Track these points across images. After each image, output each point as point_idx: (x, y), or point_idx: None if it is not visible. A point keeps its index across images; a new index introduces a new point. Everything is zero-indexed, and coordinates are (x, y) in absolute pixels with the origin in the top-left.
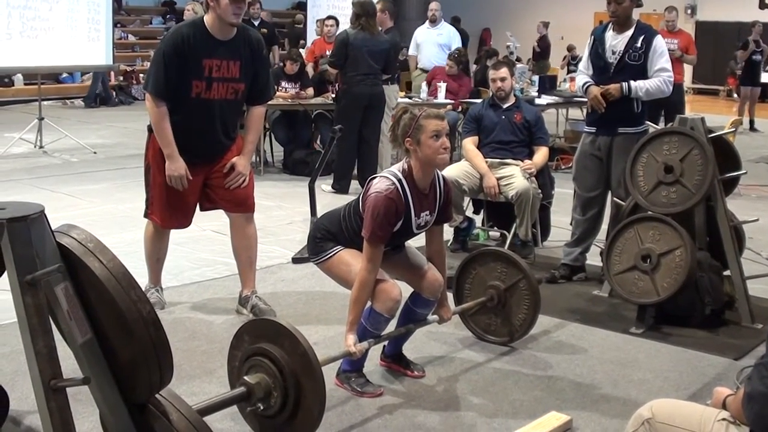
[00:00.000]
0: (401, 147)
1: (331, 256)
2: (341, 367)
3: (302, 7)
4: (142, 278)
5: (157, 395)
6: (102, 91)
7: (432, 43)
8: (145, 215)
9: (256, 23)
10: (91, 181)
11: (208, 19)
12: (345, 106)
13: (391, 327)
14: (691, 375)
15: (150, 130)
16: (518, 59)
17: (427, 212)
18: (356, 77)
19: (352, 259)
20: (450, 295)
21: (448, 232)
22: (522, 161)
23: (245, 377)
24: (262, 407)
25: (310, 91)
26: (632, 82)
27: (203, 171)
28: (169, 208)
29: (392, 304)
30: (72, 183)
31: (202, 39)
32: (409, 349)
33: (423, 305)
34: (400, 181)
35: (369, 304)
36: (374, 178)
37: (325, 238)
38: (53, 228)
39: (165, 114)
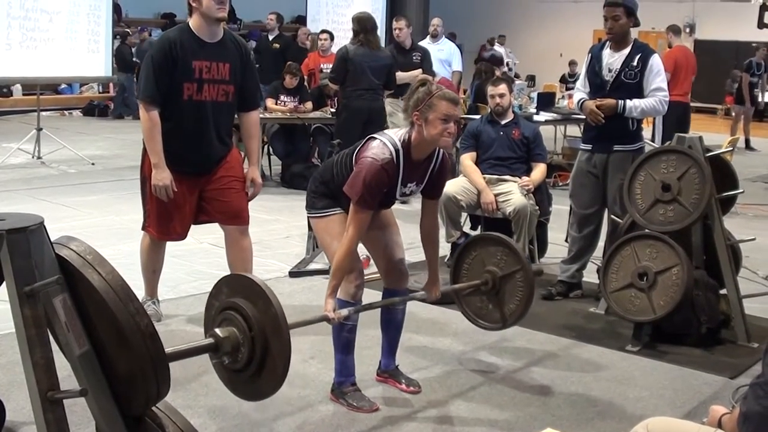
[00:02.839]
0: (408, 118)
1: (320, 216)
2: (334, 381)
3: (302, 21)
4: (140, 290)
5: (153, 408)
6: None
7: (433, 59)
8: (143, 227)
9: (271, 37)
10: (89, 192)
11: (193, 22)
12: (345, 121)
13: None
14: (687, 393)
15: None
16: (517, 75)
17: (414, 183)
18: (356, 92)
19: (336, 234)
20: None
21: (445, 248)
22: (520, 178)
23: (215, 329)
24: (228, 361)
25: (309, 105)
26: (627, 102)
27: (199, 184)
28: (165, 221)
29: (354, 290)
30: (70, 194)
31: (189, 42)
32: (405, 365)
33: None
34: (398, 151)
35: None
36: (374, 138)
37: (318, 191)
38: (52, 239)
39: (157, 122)
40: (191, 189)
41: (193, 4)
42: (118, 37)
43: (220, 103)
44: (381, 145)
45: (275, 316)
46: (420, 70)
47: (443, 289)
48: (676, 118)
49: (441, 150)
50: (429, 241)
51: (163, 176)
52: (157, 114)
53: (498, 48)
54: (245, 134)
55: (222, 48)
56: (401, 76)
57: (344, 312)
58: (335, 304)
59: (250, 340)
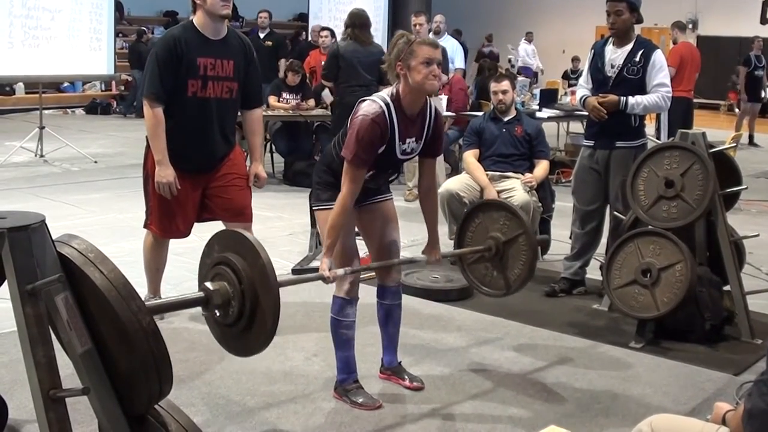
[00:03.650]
0: (393, 72)
1: (325, 209)
2: (337, 379)
3: (304, 18)
4: (142, 288)
5: (156, 406)
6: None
7: None
8: (145, 225)
9: (262, 35)
10: (92, 190)
11: (197, 19)
12: (338, 117)
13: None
14: (691, 390)
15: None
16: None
17: (413, 139)
18: (349, 88)
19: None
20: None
21: (448, 245)
22: (522, 174)
23: (206, 283)
24: (219, 315)
25: (311, 102)
26: (630, 98)
27: (202, 181)
28: (168, 219)
29: (349, 287)
30: (72, 192)
31: (194, 39)
32: (408, 361)
33: (380, 295)
34: (387, 105)
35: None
36: (364, 100)
37: (322, 181)
38: (54, 238)
39: (161, 120)
40: (194, 186)
41: (198, 2)
42: (120, 35)
43: (224, 100)
44: (370, 103)
45: (263, 267)
46: None
47: (445, 252)
48: (680, 113)
49: (434, 107)
50: (428, 199)
51: (166, 173)
52: (161, 111)
53: (524, 44)
54: (248, 131)
55: (226, 45)
56: None
57: (340, 271)
58: (330, 263)
59: (240, 294)
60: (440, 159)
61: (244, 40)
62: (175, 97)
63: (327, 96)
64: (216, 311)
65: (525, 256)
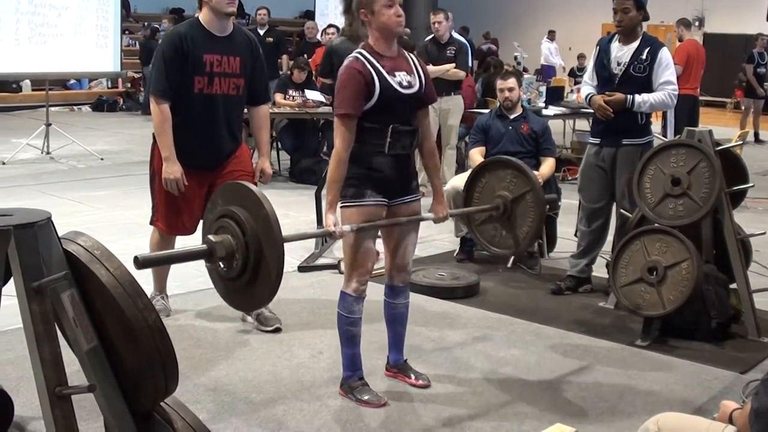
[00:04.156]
0: (357, 20)
1: (346, 206)
2: (342, 376)
3: (310, 15)
4: (148, 285)
5: (161, 403)
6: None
7: None
8: (151, 222)
9: (262, 32)
10: (98, 187)
11: (203, 16)
12: None
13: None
14: (697, 388)
15: (155, 137)
16: (525, 69)
17: (404, 72)
18: None
19: (354, 242)
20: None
21: (454, 243)
22: None
23: (209, 236)
24: (223, 267)
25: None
26: (636, 96)
27: (209, 178)
28: (174, 215)
29: (356, 285)
30: (79, 189)
31: (200, 36)
32: (414, 359)
33: (389, 294)
34: (361, 53)
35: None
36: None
37: (349, 178)
38: (60, 235)
39: (168, 116)
40: (201, 183)
41: None
42: (127, 32)
43: (230, 97)
44: (347, 59)
45: (266, 217)
46: (452, 65)
47: (452, 211)
48: (686, 111)
49: (416, 56)
50: (430, 159)
51: (173, 169)
52: (168, 108)
53: (546, 42)
54: (255, 126)
55: (232, 42)
56: (431, 69)
57: (346, 228)
58: (335, 219)
59: (243, 245)
60: (453, 153)
61: (249, 37)
62: (181, 94)
63: (312, 94)
64: (220, 263)
65: (533, 212)
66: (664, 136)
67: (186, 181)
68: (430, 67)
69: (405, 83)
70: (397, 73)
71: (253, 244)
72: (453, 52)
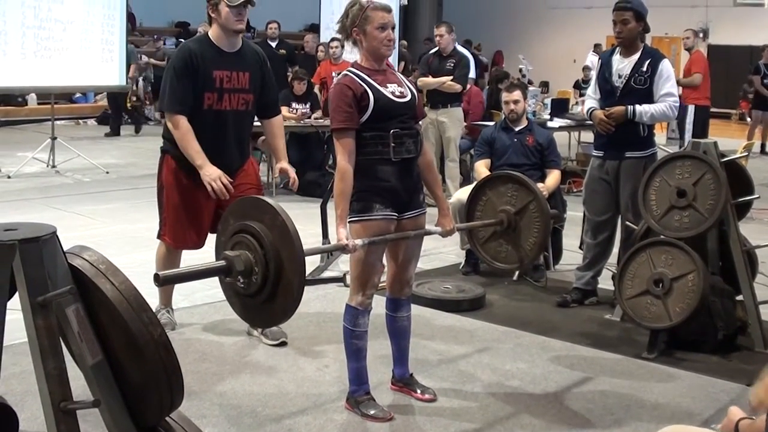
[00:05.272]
0: (350, 38)
1: (354, 220)
2: (348, 390)
3: (315, 29)
4: (154, 299)
5: (167, 418)
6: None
7: None
8: (158, 236)
9: (274, 44)
10: (104, 201)
11: (212, 32)
12: None
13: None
14: (704, 401)
15: (163, 151)
16: (530, 82)
17: (396, 84)
18: None
19: (362, 257)
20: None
21: (459, 255)
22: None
23: (226, 252)
24: (242, 281)
25: (319, 112)
26: (637, 107)
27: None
28: (181, 229)
29: (362, 299)
30: (84, 203)
31: (209, 52)
32: (420, 373)
33: (391, 308)
34: (351, 70)
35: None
36: None
37: (356, 192)
38: (65, 249)
39: (188, 127)
40: (209, 197)
41: (213, 15)
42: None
43: (240, 112)
44: (337, 77)
45: (283, 225)
46: (449, 77)
47: (459, 226)
48: (701, 121)
49: (404, 77)
50: (429, 173)
51: (210, 172)
52: (186, 120)
53: (592, 56)
54: (270, 135)
55: (241, 58)
56: (427, 81)
57: (359, 242)
58: (346, 233)
59: (263, 258)
60: (454, 166)
61: (258, 52)
62: (191, 110)
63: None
64: (239, 278)
65: (538, 223)
66: (681, 148)
67: (193, 196)
68: (427, 80)
69: (398, 93)
70: (389, 85)
71: (272, 254)
72: (452, 64)
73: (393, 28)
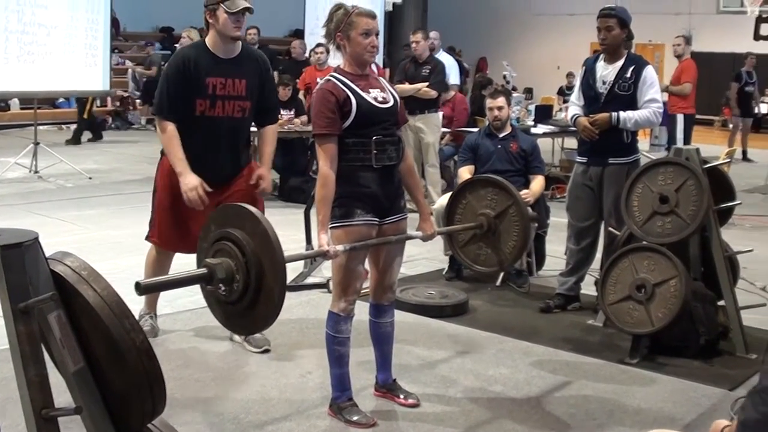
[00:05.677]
0: (333, 42)
1: (336, 226)
2: (332, 396)
3: (299, 34)
4: (136, 305)
5: (149, 425)
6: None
7: None
8: (147, 237)
9: None
10: (86, 206)
11: (209, 39)
12: None
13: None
14: (686, 405)
15: (162, 153)
16: (514, 88)
17: (378, 90)
18: None
19: (343, 262)
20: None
21: (443, 261)
22: (518, 190)
23: (207, 259)
24: (224, 288)
25: (304, 118)
26: (621, 113)
27: (213, 200)
28: (169, 230)
29: (345, 305)
30: (67, 208)
31: (204, 58)
32: (403, 378)
33: (374, 313)
34: (333, 75)
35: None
36: None
37: (337, 198)
38: (47, 255)
39: (173, 133)
40: (205, 206)
41: (210, 20)
42: (116, 51)
43: (235, 119)
44: (320, 82)
45: (264, 232)
46: (425, 84)
47: (440, 230)
48: (689, 128)
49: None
50: (410, 177)
51: (189, 180)
52: (173, 126)
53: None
54: (262, 141)
55: (238, 65)
56: (403, 88)
57: (340, 247)
58: (328, 239)
59: (244, 266)
60: (434, 171)
61: (259, 59)
62: (183, 116)
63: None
64: (220, 287)
65: (518, 226)
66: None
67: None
68: (403, 86)
69: (380, 99)
70: (371, 90)
71: (253, 263)
72: (428, 70)
73: (377, 35)
